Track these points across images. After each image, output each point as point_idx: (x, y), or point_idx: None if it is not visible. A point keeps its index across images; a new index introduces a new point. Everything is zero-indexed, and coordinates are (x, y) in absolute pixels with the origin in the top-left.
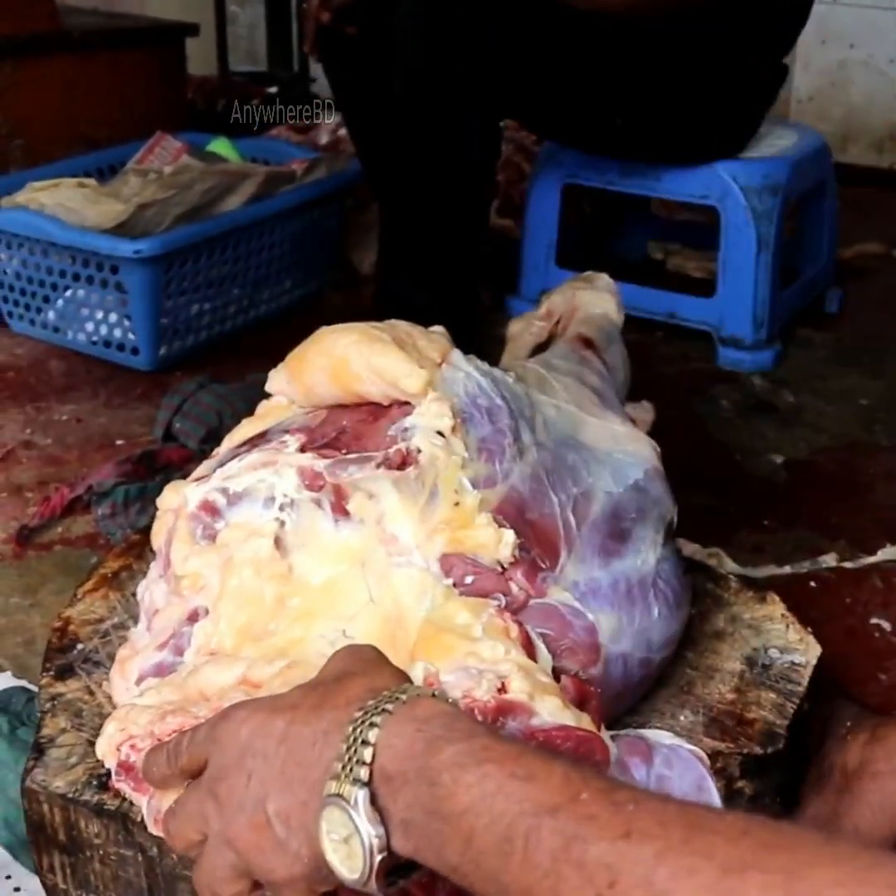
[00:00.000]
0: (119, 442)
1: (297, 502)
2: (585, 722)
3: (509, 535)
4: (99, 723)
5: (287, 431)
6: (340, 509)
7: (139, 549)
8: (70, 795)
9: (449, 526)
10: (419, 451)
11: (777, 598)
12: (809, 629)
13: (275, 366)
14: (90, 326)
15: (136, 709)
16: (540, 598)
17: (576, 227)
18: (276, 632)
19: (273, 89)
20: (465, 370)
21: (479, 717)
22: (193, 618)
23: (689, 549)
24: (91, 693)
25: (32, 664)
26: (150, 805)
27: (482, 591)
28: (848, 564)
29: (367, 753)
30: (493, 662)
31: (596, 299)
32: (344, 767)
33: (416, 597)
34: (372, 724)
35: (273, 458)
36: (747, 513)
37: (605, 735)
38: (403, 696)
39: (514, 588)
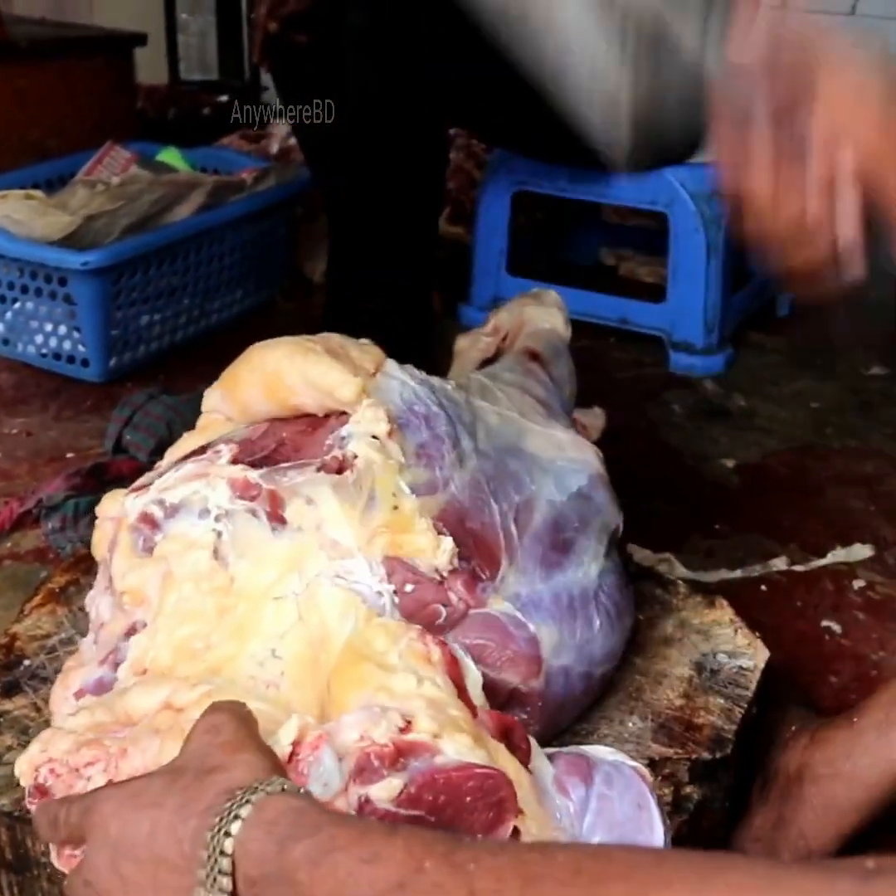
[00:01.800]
0: (69, 455)
1: (231, 513)
2: (501, 756)
3: (448, 543)
4: None
5: (225, 443)
6: (277, 517)
7: (87, 564)
8: (16, 813)
9: (389, 529)
10: (355, 456)
11: (726, 603)
12: (758, 634)
13: None
14: (39, 339)
15: (59, 734)
16: (480, 609)
17: (527, 234)
18: (213, 646)
19: (224, 98)
20: (400, 378)
21: (376, 762)
22: (131, 632)
23: (641, 554)
24: (38, 710)
25: None
26: None
27: (422, 601)
28: (798, 568)
29: (226, 863)
30: (404, 698)
31: (543, 314)
32: (208, 876)
33: (340, 616)
34: (227, 833)
35: (206, 469)
36: (699, 517)
37: (540, 756)
38: (253, 798)
39: (453, 598)
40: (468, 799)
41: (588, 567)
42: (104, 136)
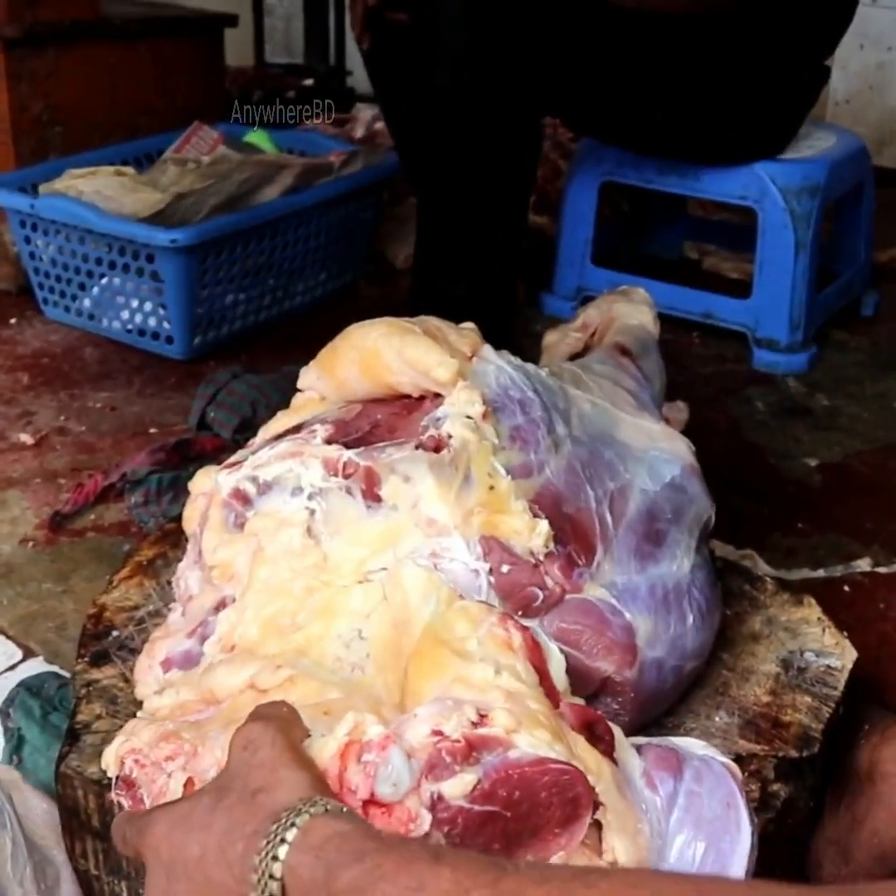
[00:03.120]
0: (152, 430)
1: (325, 491)
2: (581, 748)
3: (544, 525)
4: (134, 710)
5: (320, 423)
6: (372, 495)
7: (174, 538)
8: (104, 781)
9: (484, 509)
10: (450, 436)
11: (813, 601)
12: (845, 633)
13: (308, 356)
14: (125, 315)
15: (142, 724)
16: (576, 594)
17: (612, 225)
18: (302, 625)
19: (309, 82)
20: (497, 363)
21: (447, 759)
22: (221, 607)
23: (723, 550)
24: (126, 680)
25: (64, 650)
26: None
27: (518, 582)
28: (882, 569)
29: (276, 887)
30: (481, 689)
31: (632, 311)
32: None
33: (423, 597)
34: (275, 857)
35: (300, 448)
36: (781, 516)
37: (627, 749)
38: (298, 821)
39: (549, 582)
40: (543, 794)
41: (681, 560)
42: (192, 117)
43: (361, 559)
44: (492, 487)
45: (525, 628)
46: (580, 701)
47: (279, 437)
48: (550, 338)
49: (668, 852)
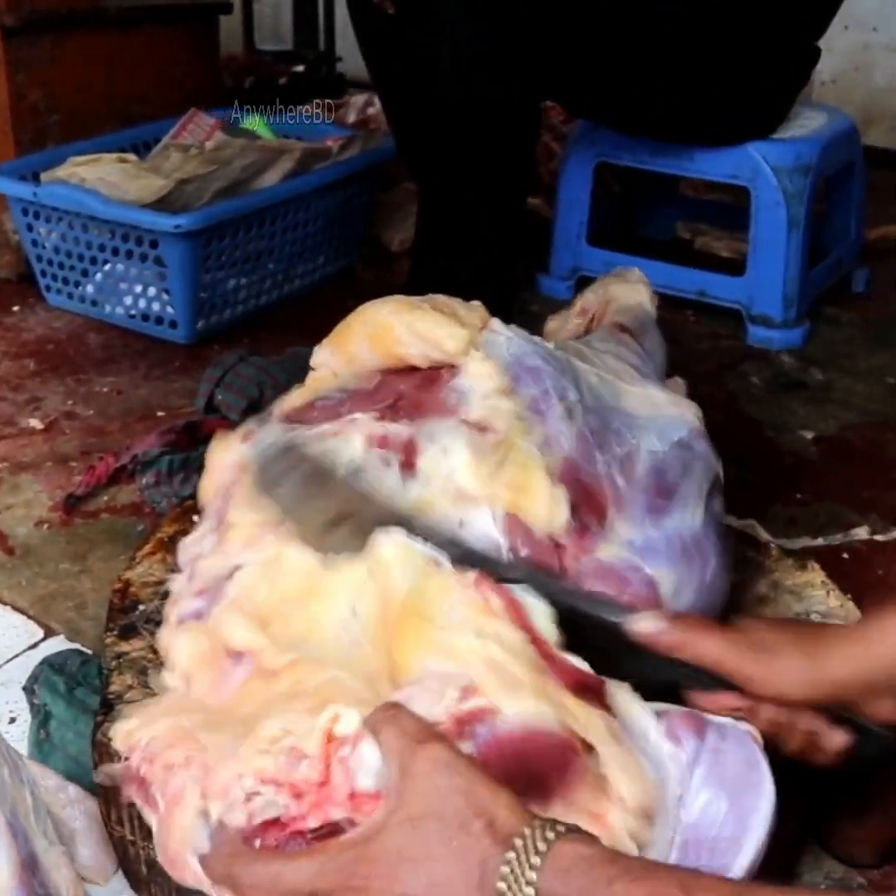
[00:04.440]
0: (160, 413)
1: (364, 464)
2: (569, 703)
3: (564, 509)
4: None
5: (344, 393)
6: (409, 466)
7: (193, 514)
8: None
9: (509, 487)
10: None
11: (817, 566)
12: (849, 596)
13: (308, 339)
14: (129, 300)
15: (159, 712)
16: (591, 556)
17: (605, 207)
18: (311, 602)
19: (300, 68)
20: (506, 334)
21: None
22: (235, 571)
23: (725, 520)
24: (154, 652)
25: (84, 628)
26: (160, 835)
27: (535, 564)
28: (879, 537)
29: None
30: (464, 659)
31: (629, 291)
32: None
33: (401, 569)
34: (528, 883)
35: (343, 428)
36: (780, 487)
37: (632, 700)
38: (541, 847)
39: (567, 559)
40: (533, 761)
41: (693, 510)
42: (187, 104)
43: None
44: (521, 464)
45: (502, 589)
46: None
47: (303, 409)
48: (551, 324)
49: (692, 807)
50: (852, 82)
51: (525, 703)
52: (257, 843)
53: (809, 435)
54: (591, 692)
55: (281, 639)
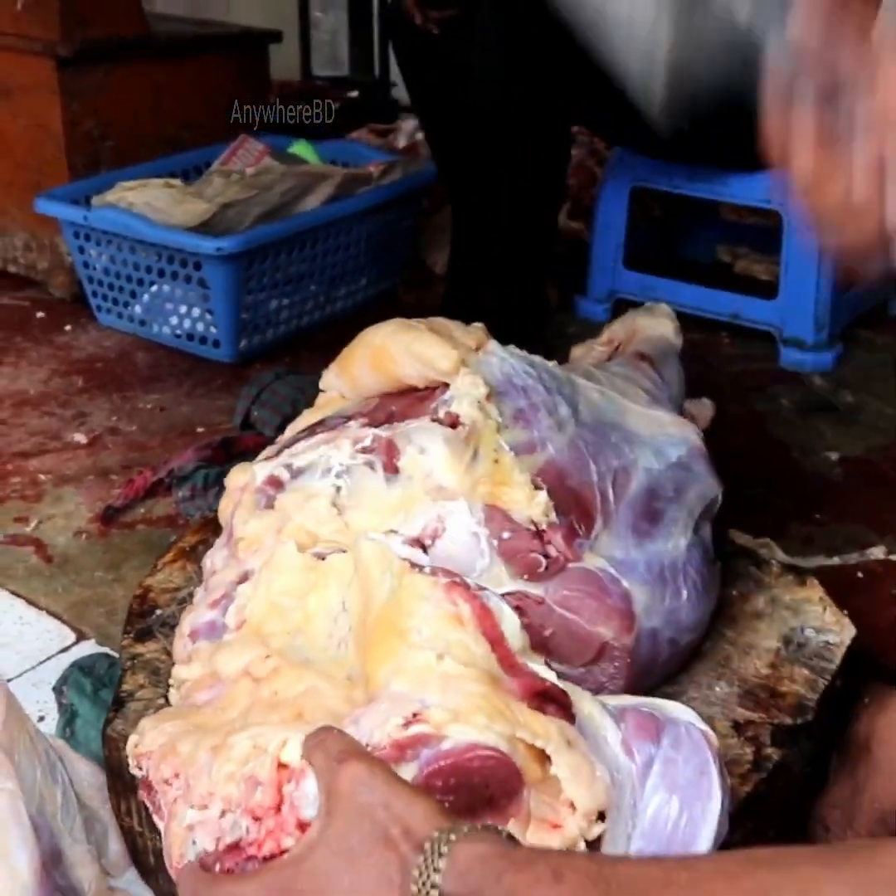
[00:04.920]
0: (200, 429)
1: (351, 468)
2: (524, 718)
3: (542, 496)
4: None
5: (343, 418)
6: (391, 467)
7: (215, 526)
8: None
9: (489, 480)
10: (459, 416)
11: (816, 582)
12: (845, 611)
13: None
14: (174, 320)
15: (149, 724)
16: (577, 563)
17: (645, 230)
18: (304, 601)
19: (354, 93)
20: (500, 355)
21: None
22: (243, 580)
23: (741, 540)
24: (168, 654)
25: (114, 633)
26: (168, 842)
27: (518, 548)
28: None
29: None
30: (419, 679)
31: (654, 323)
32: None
33: (379, 571)
34: (434, 886)
35: (334, 436)
36: (800, 506)
37: (593, 704)
38: (444, 850)
39: (552, 550)
40: (476, 778)
41: (677, 539)
42: (237, 130)
43: (376, 528)
44: (496, 461)
45: (474, 597)
46: (539, 659)
47: (306, 431)
48: (577, 352)
49: (644, 813)
50: None
51: (471, 724)
52: (217, 867)
53: (835, 456)
54: (551, 700)
55: (278, 633)
